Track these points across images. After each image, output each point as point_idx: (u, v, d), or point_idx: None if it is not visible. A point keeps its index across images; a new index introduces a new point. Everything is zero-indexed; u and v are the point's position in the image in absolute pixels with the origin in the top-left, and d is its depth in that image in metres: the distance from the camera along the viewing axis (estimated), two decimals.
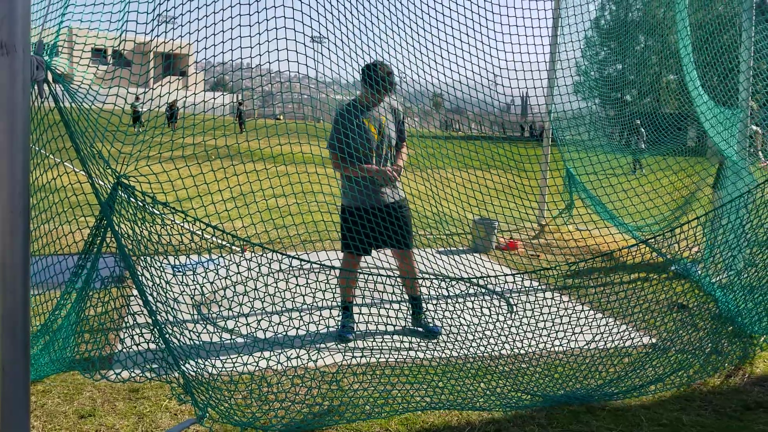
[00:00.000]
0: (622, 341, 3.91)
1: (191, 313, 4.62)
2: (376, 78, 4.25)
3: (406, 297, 4.78)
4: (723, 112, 5.91)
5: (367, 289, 4.76)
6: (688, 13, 6.13)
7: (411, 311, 4.74)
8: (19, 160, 1.92)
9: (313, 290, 3.87)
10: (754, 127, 5.63)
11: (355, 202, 4.46)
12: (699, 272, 5.06)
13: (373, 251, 4.67)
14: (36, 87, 2.22)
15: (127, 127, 2.79)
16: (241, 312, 4.47)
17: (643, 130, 8.02)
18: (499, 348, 3.96)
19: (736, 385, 3.94)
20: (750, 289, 3.72)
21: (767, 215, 3.45)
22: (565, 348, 4.06)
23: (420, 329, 4.68)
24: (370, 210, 4.42)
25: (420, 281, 4.77)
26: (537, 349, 4.04)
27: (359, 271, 4.69)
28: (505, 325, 4.14)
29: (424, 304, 4.78)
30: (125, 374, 3.49)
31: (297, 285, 3.52)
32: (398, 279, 4.90)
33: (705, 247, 4.44)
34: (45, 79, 2.24)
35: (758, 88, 5.54)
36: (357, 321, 4.61)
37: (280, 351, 3.85)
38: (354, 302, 4.69)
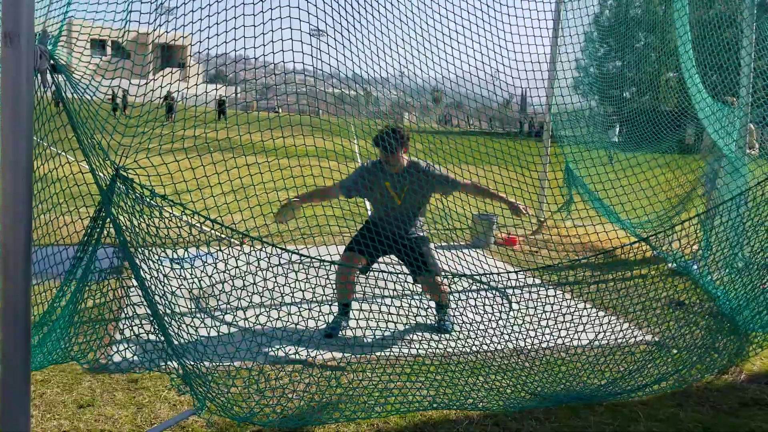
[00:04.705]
0: (624, 339, 3.90)
1: (189, 306, 4.61)
2: (387, 139, 4.38)
3: (419, 292, 4.75)
4: (722, 109, 5.92)
5: (368, 285, 4.75)
6: (688, 11, 6.12)
7: (436, 312, 4.76)
8: (23, 148, 1.92)
9: (313, 285, 3.85)
10: (751, 126, 5.65)
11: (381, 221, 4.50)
12: (698, 270, 5.06)
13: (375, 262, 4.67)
14: (39, 76, 2.21)
15: (110, 116, 2.76)
16: (240, 306, 4.45)
17: (618, 126, 8.03)
18: (497, 344, 3.95)
19: (733, 382, 3.96)
20: (750, 287, 3.73)
21: (767, 213, 3.45)
22: (567, 345, 4.06)
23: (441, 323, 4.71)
24: (391, 236, 4.44)
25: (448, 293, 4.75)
26: (538, 347, 4.04)
27: (369, 268, 4.64)
28: (503, 321, 4.14)
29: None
30: (124, 365, 3.48)
31: (296, 280, 3.51)
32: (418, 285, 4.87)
33: (704, 245, 4.45)
34: (48, 68, 2.23)
35: (759, 86, 5.55)
36: (357, 317, 4.59)
37: (278, 346, 3.85)
38: (352, 299, 4.65)
